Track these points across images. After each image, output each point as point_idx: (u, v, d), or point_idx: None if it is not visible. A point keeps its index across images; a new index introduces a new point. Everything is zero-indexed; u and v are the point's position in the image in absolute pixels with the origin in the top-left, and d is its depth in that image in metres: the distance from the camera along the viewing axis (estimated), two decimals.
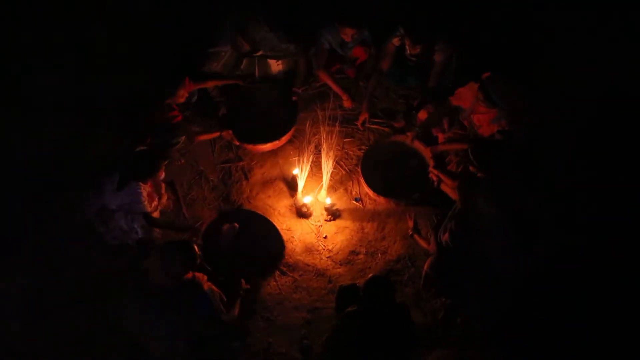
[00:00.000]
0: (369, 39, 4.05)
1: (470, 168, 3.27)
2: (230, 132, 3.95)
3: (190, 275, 3.01)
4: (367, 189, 3.81)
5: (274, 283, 3.54)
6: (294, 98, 4.14)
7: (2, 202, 3.66)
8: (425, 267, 3.31)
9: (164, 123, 3.72)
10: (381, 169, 3.92)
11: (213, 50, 4.02)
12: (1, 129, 3.97)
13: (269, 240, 3.68)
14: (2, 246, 3.51)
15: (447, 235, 3.21)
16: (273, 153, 4.16)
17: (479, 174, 3.23)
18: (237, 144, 4.03)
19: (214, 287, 3.11)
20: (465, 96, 3.65)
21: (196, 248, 2.97)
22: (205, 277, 3.11)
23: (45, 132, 3.93)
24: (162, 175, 3.52)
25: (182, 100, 3.78)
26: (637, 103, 3.87)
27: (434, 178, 3.66)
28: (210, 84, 4.10)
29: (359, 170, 3.85)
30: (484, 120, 3.57)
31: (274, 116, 4.12)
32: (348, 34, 3.89)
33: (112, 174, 3.41)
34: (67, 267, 3.48)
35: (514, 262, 3.07)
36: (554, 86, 3.96)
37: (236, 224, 3.63)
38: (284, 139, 3.96)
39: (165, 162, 3.52)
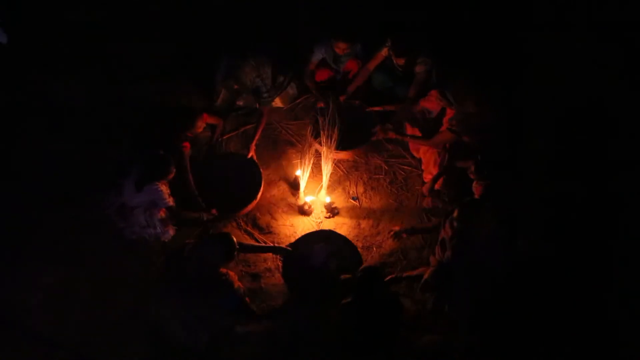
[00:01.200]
0: (360, 54, 4.23)
1: (472, 176, 3.39)
2: (214, 210, 3.79)
3: (224, 270, 3.17)
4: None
5: (279, 274, 3.66)
6: (250, 155, 4.09)
7: (32, 201, 3.82)
8: (426, 276, 3.36)
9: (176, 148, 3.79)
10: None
11: (215, 85, 4.20)
12: (31, 133, 4.15)
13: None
14: (32, 241, 3.66)
15: (449, 252, 3.26)
16: (277, 156, 4.31)
17: (478, 184, 3.36)
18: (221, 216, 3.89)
19: (242, 286, 3.26)
20: (432, 100, 3.87)
21: (235, 240, 3.14)
22: (237, 277, 3.25)
23: (71, 136, 4.10)
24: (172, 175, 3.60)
25: (199, 130, 3.90)
26: (609, 111, 4.01)
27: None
28: (219, 121, 4.19)
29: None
30: (445, 122, 3.75)
31: (243, 178, 4.02)
32: (341, 47, 4.08)
33: (129, 176, 3.52)
34: (91, 261, 3.60)
35: (502, 259, 3.16)
36: (534, 93, 4.12)
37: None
38: (259, 195, 3.92)
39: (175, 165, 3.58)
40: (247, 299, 3.33)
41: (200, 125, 3.88)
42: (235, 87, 4.17)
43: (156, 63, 4.53)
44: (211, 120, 4.08)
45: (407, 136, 4.08)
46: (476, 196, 3.41)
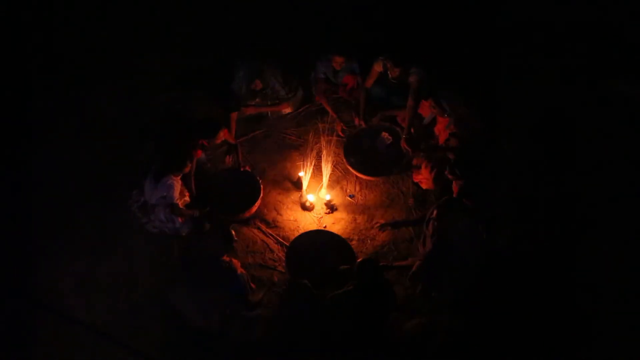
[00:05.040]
0: (357, 69, 4.40)
1: (449, 176, 3.47)
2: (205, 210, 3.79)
3: (227, 259, 3.25)
4: None
5: (284, 264, 3.67)
6: (247, 168, 4.20)
7: (65, 199, 3.95)
8: (414, 268, 3.46)
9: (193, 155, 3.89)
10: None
11: (231, 87, 4.28)
12: (65, 139, 4.31)
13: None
14: (65, 234, 3.80)
15: (430, 247, 3.38)
16: (282, 159, 4.37)
17: (455, 183, 3.43)
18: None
19: (245, 272, 3.35)
20: (424, 107, 4.04)
21: (233, 233, 3.21)
22: (239, 263, 3.32)
23: (100, 142, 4.24)
24: (188, 169, 3.68)
25: (219, 140, 4.00)
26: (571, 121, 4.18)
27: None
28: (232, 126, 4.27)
29: None
30: (441, 129, 3.88)
31: (245, 188, 4.01)
32: (338, 62, 4.26)
33: (148, 176, 3.57)
34: (117, 251, 3.71)
35: (477, 252, 3.28)
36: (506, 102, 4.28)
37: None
38: (258, 202, 3.95)
39: (190, 161, 3.66)
40: (251, 284, 3.39)
41: (221, 137, 3.97)
42: (260, 87, 4.33)
43: (173, 75, 4.68)
44: (228, 137, 4.20)
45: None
46: (454, 194, 3.50)
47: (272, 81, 4.39)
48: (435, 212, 3.40)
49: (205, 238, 3.27)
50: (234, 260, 3.33)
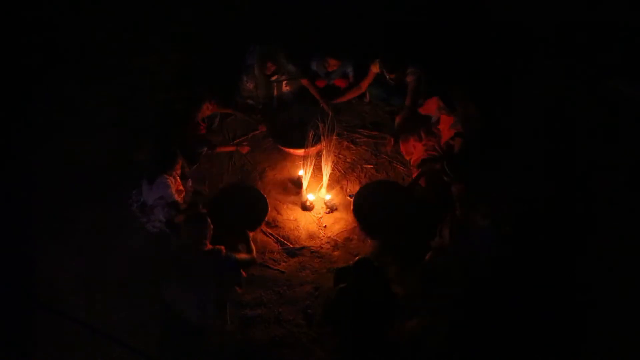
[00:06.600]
0: (350, 73, 4.39)
1: (445, 178, 3.45)
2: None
3: (210, 246, 3.21)
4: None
5: (284, 263, 3.70)
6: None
7: (65, 198, 3.97)
8: (427, 257, 3.37)
9: (192, 136, 3.97)
10: None
11: (244, 70, 4.26)
12: (67, 139, 4.32)
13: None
14: (66, 233, 3.81)
15: (449, 240, 3.35)
16: (282, 158, 4.36)
17: (454, 185, 3.40)
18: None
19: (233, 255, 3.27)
20: (431, 107, 3.96)
21: (209, 220, 3.20)
22: (223, 247, 3.25)
23: (101, 142, 4.25)
24: (179, 171, 3.70)
25: (208, 113, 4.03)
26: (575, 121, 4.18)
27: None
28: (229, 111, 4.35)
29: None
30: (444, 129, 3.84)
31: (252, 206, 3.92)
32: (331, 64, 4.25)
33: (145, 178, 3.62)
34: (117, 250, 3.71)
35: (491, 249, 3.27)
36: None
37: None
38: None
39: (181, 159, 3.68)
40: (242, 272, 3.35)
41: (207, 108, 4.00)
42: (272, 68, 4.26)
43: (173, 74, 4.68)
44: (218, 109, 4.21)
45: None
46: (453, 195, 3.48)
47: (282, 61, 4.33)
48: (458, 207, 3.33)
49: (185, 228, 3.25)
50: (219, 247, 3.25)
